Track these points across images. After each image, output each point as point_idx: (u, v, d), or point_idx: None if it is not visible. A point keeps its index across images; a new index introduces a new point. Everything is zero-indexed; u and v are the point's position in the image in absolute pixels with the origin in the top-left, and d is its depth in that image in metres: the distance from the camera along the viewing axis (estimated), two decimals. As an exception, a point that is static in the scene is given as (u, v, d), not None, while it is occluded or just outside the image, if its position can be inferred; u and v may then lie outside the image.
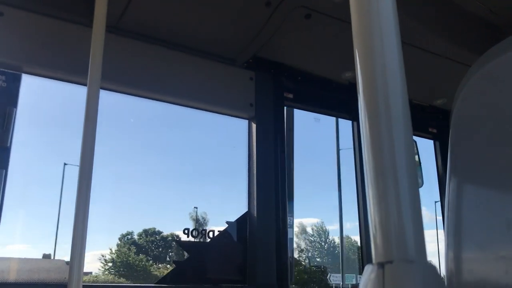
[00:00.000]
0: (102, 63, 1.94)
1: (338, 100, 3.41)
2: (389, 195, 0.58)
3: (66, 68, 2.45)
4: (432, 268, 0.55)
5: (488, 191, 1.32)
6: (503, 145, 1.28)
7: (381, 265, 0.55)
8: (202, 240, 2.69)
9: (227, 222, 2.82)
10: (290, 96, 3.15)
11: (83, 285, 1.69)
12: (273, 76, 3.09)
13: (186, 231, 2.64)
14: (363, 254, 3.22)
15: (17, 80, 2.32)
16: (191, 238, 2.66)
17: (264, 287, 2.59)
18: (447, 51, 3.01)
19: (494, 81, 1.41)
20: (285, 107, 3.12)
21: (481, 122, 1.40)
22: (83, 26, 2.43)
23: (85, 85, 1.94)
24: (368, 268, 0.57)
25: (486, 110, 1.39)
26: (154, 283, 2.59)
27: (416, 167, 0.62)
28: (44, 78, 2.44)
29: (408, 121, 0.64)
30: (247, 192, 2.89)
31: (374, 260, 0.56)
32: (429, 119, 3.80)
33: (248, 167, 2.92)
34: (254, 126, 2.97)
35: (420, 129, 3.80)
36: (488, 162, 1.32)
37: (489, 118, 1.37)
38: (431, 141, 3.93)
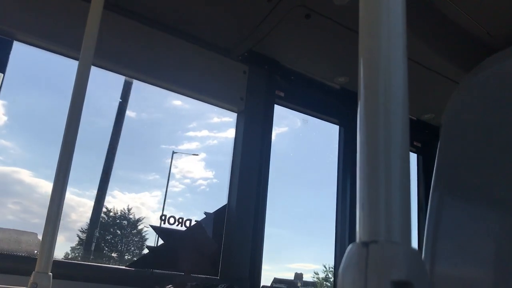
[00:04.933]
0: (96, 40, 1.92)
1: (328, 104, 3.43)
2: (380, 177, 0.59)
3: (60, 40, 2.42)
4: (415, 251, 0.56)
5: (471, 202, 1.35)
6: (488, 158, 1.30)
7: (365, 244, 0.56)
8: (178, 228, 2.68)
9: (205, 213, 2.82)
10: (281, 94, 3.16)
11: (54, 261, 1.67)
12: (267, 73, 3.09)
13: (163, 217, 2.63)
14: (337, 239, 3.27)
15: (8, 47, 2.28)
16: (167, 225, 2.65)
17: (236, 281, 2.59)
18: (439, 67, 3.04)
19: (481, 96, 1.44)
20: (275, 105, 3.12)
21: (467, 136, 1.42)
22: (81, 0, 2.40)
23: (77, 59, 1.91)
24: (351, 247, 0.57)
25: (473, 124, 1.42)
26: (126, 266, 2.57)
27: (408, 153, 0.64)
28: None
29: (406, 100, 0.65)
30: (229, 185, 2.89)
31: (358, 239, 0.57)
32: (415, 132, 3.84)
33: (232, 161, 2.92)
34: (242, 120, 2.97)
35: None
36: (472, 174, 1.35)
37: (475, 132, 1.39)
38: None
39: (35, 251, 2.20)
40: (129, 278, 2.43)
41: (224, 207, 2.84)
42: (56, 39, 2.42)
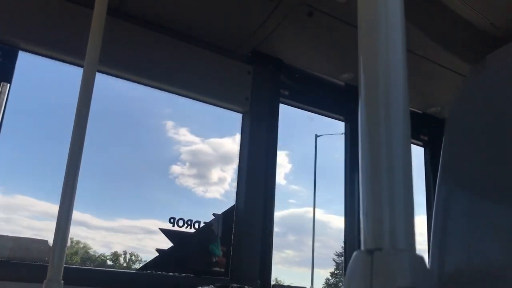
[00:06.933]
0: (101, 46, 1.92)
1: (333, 101, 3.42)
2: (383, 184, 0.59)
3: (64, 48, 2.43)
4: (420, 258, 0.56)
5: (478, 196, 1.34)
6: (494, 153, 1.30)
7: (370, 252, 0.56)
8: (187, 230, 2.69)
9: (214, 214, 2.82)
10: (286, 93, 3.16)
11: (65, 267, 1.68)
12: (271, 72, 3.09)
13: (172, 220, 2.64)
14: (346, 244, 3.26)
15: (13, 56, 2.30)
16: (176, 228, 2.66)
17: (246, 281, 2.60)
18: (445, 60, 3.02)
19: (487, 89, 1.43)
20: (280, 104, 3.12)
21: (473, 130, 1.42)
22: (84, 7, 2.41)
23: (82, 66, 1.92)
24: (356, 255, 0.57)
25: (479, 118, 1.41)
26: (136, 270, 2.59)
27: (411, 159, 0.63)
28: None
29: (406, 105, 0.64)
30: (236, 186, 2.89)
31: (362, 247, 0.57)
32: (421, 126, 3.82)
33: (239, 161, 2.93)
34: (248, 120, 2.97)
35: (412, 135, 3.81)
36: (479, 169, 1.34)
37: (481, 126, 1.39)
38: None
39: (46, 258, 2.22)
40: (140, 282, 2.44)
41: (232, 207, 2.85)
42: (61, 47, 2.43)
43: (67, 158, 1.76)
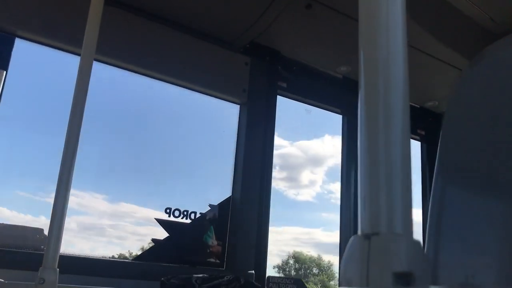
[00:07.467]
0: (98, 34, 1.92)
1: (330, 94, 3.41)
2: (381, 168, 0.59)
3: (61, 36, 2.42)
4: (417, 242, 0.56)
5: (474, 189, 1.35)
6: (490, 146, 1.30)
7: (367, 237, 0.56)
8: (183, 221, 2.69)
9: (210, 205, 2.82)
10: (284, 85, 3.15)
11: (60, 256, 1.69)
12: (268, 64, 3.09)
13: (168, 210, 2.64)
14: (341, 230, 3.28)
15: (10, 43, 2.28)
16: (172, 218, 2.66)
17: (241, 272, 2.61)
18: (443, 54, 3.02)
19: (484, 83, 1.43)
20: (277, 96, 3.12)
21: (470, 124, 1.42)
22: None
23: (79, 55, 1.91)
24: (353, 239, 0.58)
25: (476, 112, 1.41)
26: (132, 259, 2.59)
27: (409, 144, 0.64)
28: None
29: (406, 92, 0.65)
30: (232, 177, 2.90)
31: (360, 232, 0.58)
32: (418, 120, 3.83)
33: (236, 152, 2.93)
34: (245, 111, 2.97)
35: (409, 129, 3.81)
36: (475, 162, 1.35)
37: (478, 119, 1.39)
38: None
39: (42, 246, 2.22)
40: (135, 271, 2.45)
41: (228, 199, 2.85)
42: (58, 35, 2.42)
43: (62, 150, 1.76)
